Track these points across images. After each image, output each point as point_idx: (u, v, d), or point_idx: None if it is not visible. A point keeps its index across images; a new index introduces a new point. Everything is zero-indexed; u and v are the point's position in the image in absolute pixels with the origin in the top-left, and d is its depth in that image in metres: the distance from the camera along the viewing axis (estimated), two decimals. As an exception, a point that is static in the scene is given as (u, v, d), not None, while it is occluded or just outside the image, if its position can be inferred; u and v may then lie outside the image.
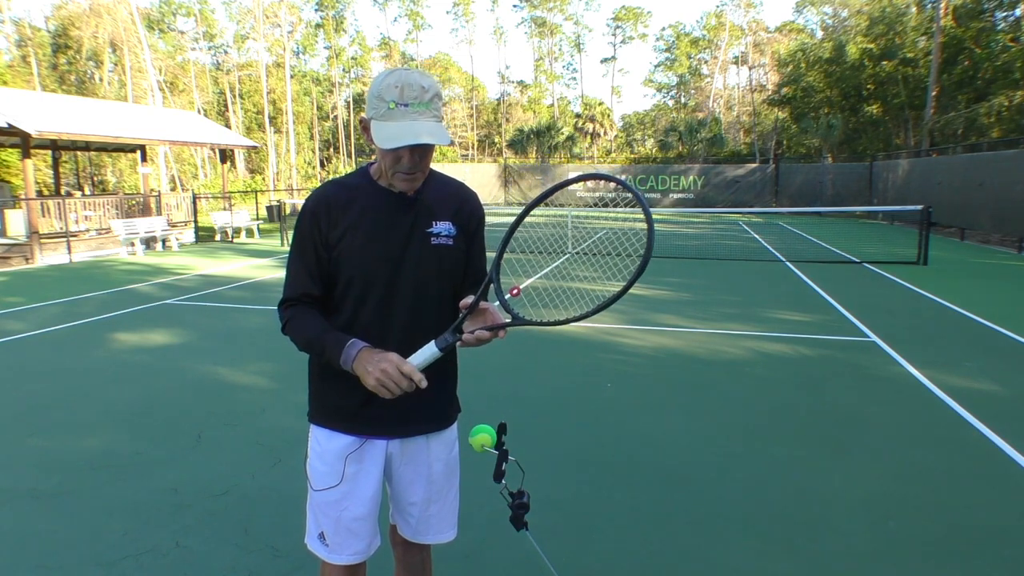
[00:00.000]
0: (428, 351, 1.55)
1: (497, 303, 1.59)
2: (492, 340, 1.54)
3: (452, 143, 1.64)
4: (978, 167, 17.68)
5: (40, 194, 21.05)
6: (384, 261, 1.64)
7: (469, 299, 1.54)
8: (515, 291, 1.58)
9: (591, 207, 33.18)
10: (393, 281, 1.65)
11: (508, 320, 1.54)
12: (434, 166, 1.74)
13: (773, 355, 6.33)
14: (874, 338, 6.93)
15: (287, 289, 1.68)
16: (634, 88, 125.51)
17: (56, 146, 19.33)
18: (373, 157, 1.69)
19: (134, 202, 18.15)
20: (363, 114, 1.62)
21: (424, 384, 1.51)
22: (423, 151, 1.57)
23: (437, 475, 1.82)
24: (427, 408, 1.74)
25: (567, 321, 1.51)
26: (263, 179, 44.85)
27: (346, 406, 1.71)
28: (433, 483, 1.82)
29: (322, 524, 1.77)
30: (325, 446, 1.75)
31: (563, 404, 4.96)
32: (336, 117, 57.21)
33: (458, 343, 1.54)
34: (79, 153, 31.47)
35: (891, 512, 3.32)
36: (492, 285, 1.56)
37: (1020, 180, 15.24)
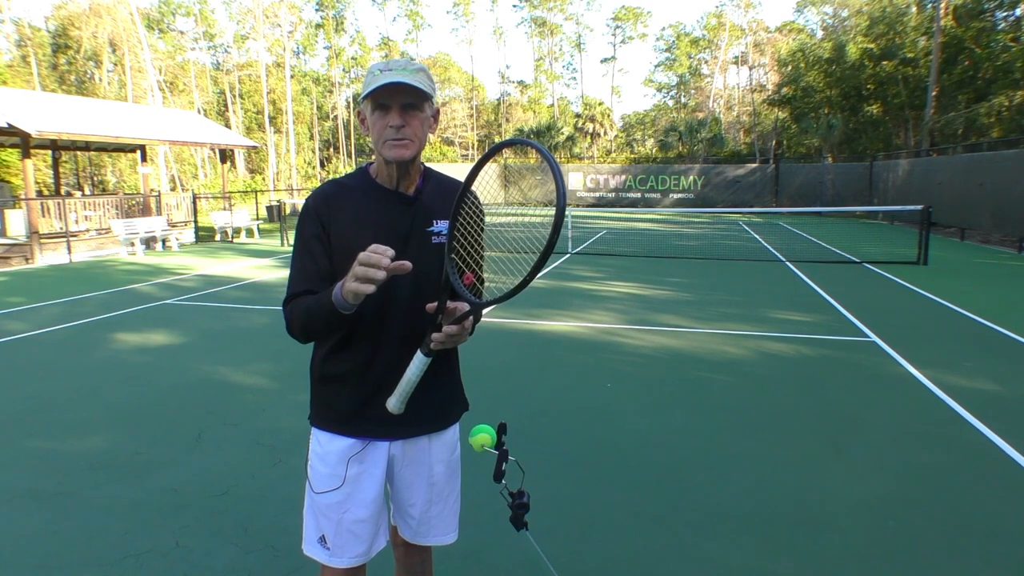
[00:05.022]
0: (417, 360, 1.56)
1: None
2: (465, 332, 1.54)
3: (433, 99, 1.64)
4: (978, 167, 17.67)
5: (40, 194, 21.05)
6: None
7: (434, 305, 1.56)
8: (467, 279, 1.60)
9: (591, 207, 33.21)
10: (394, 278, 1.64)
11: (468, 308, 1.53)
12: (434, 166, 1.75)
13: (773, 355, 6.33)
14: (874, 338, 6.93)
15: (290, 287, 1.67)
16: (634, 88, 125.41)
17: (56, 146, 19.33)
18: (372, 157, 1.70)
19: (134, 202, 18.15)
20: (360, 105, 1.67)
21: (407, 266, 1.43)
22: (410, 115, 1.58)
23: (438, 477, 1.82)
24: (428, 408, 1.74)
25: (518, 288, 1.44)
26: (263, 179, 44.87)
27: (347, 408, 1.71)
28: (434, 485, 1.82)
29: (323, 527, 1.76)
30: (327, 448, 1.74)
31: (563, 404, 4.96)
32: (336, 117, 57.21)
33: (432, 345, 1.53)
34: (79, 153, 31.48)
35: (891, 512, 3.32)
36: (452, 281, 1.55)
37: (1020, 180, 15.24)
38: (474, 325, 1.60)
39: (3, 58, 41.80)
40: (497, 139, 59.41)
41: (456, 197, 1.58)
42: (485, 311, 1.59)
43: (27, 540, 3.05)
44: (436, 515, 1.84)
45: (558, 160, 40.21)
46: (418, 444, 1.78)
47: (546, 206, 31.73)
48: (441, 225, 1.69)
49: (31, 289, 10.40)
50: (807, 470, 3.82)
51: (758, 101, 47.46)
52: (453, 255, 1.57)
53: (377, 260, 1.37)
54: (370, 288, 1.39)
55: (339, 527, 1.74)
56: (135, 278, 11.48)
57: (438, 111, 1.70)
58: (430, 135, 1.72)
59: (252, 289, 10.28)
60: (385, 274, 1.39)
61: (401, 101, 1.56)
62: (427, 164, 1.76)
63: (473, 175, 1.60)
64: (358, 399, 1.69)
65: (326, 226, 1.64)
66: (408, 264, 1.43)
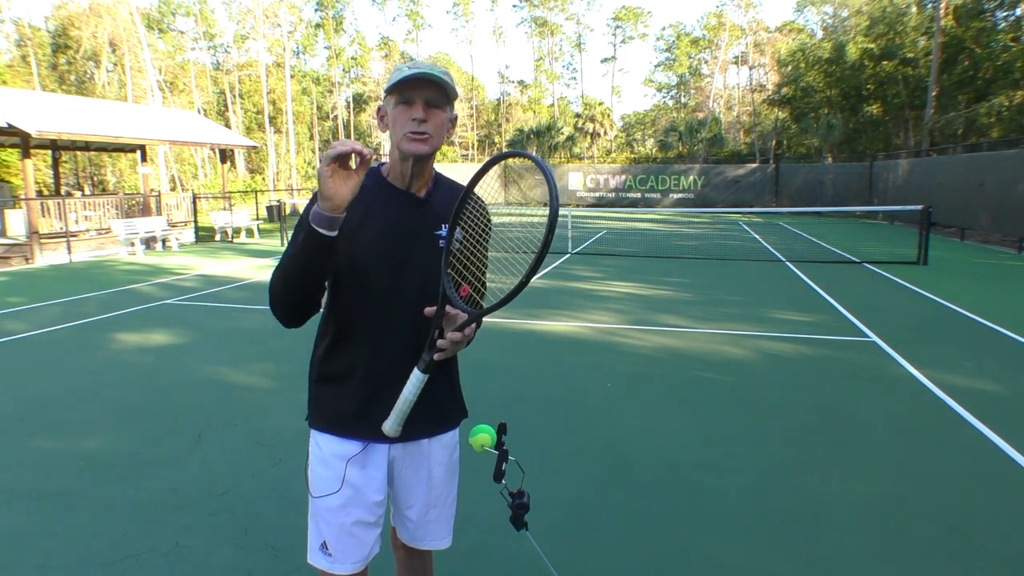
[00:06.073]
0: (414, 378, 1.56)
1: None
2: (466, 340, 1.56)
3: (458, 96, 1.64)
4: (978, 167, 17.67)
5: (40, 194, 21.05)
6: (389, 260, 1.64)
7: (432, 308, 1.57)
8: (464, 291, 1.61)
9: (591, 207, 33.22)
10: (398, 281, 1.64)
11: (466, 316, 1.55)
12: (434, 166, 1.75)
13: (773, 355, 6.33)
14: (874, 338, 6.93)
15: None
16: (634, 88, 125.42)
17: (56, 146, 19.33)
18: (374, 159, 1.69)
19: (134, 202, 18.15)
20: (380, 103, 1.69)
21: (363, 149, 1.41)
22: (432, 112, 1.59)
23: (437, 479, 1.81)
24: (428, 410, 1.72)
25: (512, 295, 1.46)
26: (263, 179, 44.85)
27: (347, 410, 1.69)
28: (433, 487, 1.81)
29: (324, 532, 1.74)
30: (327, 451, 1.72)
31: (563, 404, 4.96)
32: (336, 117, 57.21)
33: (436, 355, 1.54)
34: (79, 153, 31.49)
35: (891, 512, 3.32)
36: (449, 295, 1.56)
37: (1020, 180, 15.24)
38: (475, 332, 1.61)
39: (3, 58, 41.80)
40: (497, 139, 59.41)
41: (453, 210, 1.59)
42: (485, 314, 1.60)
43: (27, 540, 3.05)
44: (434, 519, 1.84)
45: (558, 160, 40.28)
46: (418, 446, 1.78)
47: (546, 205, 31.70)
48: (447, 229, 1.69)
49: (31, 289, 10.40)
50: (807, 470, 3.82)
51: (758, 101, 47.46)
52: (449, 269, 1.58)
53: (345, 142, 1.38)
54: (345, 148, 1.37)
55: (340, 531, 1.72)
56: (135, 278, 11.48)
57: (456, 117, 1.71)
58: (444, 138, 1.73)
59: (252, 289, 10.28)
60: (349, 148, 1.37)
61: (425, 96, 1.57)
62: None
63: (471, 187, 1.61)
64: (359, 399, 1.68)
65: None
66: (369, 152, 1.40)
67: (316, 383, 1.76)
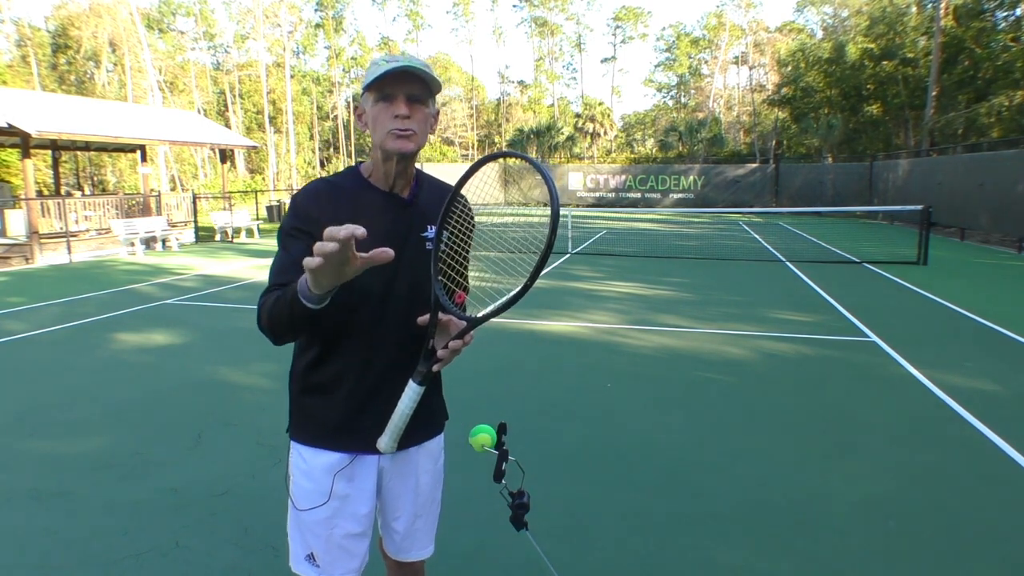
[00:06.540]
0: (410, 391, 1.51)
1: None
2: (463, 347, 1.49)
3: (440, 89, 1.59)
4: (978, 167, 17.67)
5: (40, 194, 21.05)
6: (381, 267, 1.60)
7: (425, 317, 1.50)
8: (460, 298, 1.57)
9: (591, 207, 33.22)
10: (389, 286, 1.58)
11: (464, 324, 1.48)
12: (434, 166, 1.74)
13: (773, 355, 6.32)
14: (874, 338, 6.93)
15: (270, 279, 1.54)
16: (634, 88, 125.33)
17: (56, 146, 19.33)
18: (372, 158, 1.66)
19: (134, 202, 18.15)
20: (358, 101, 1.62)
21: (359, 231, 1.15)
22: (415, 108, 1.52)
23: (424, 487, 1.79)
24: (417, 419, 1.62)
25: (515, 299, 1.38)
26: (263, 179, 44.87)
27: (336, 422, 1.64)
28: (420, 495, 1.78)
29: (311, 544, 1.70)
30: (312, 463, 1.67)
31: (563, 404, 4.96)
32: (336, 117, 57.21)
33: (435, 366, 1.49)
34: (79, 153, 31.49)
35: (891, 512, 3.32)
36: (442, 303, 1.49)
37: (1020, 180, 15.24)
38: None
39: (3, 58, 41.81)
40: (497, 139, 59.42)
41: (441, 213, 1.51)
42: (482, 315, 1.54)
43: (27, 540, 3.05)
44: (420, 528, 1.81)
45: (558, 160, 40.25)
46: (407, 454, 1.74)
47: (546, 205, 31.70)
48: (435, 231, 1.62)
49: (31, 289, 10.40)
50: (807, 470, 3.82)
51: (758, 101, 47.46)
52: (441, 277, 1.51)
53: (333, 233, 1.13)
54: (317, 261, 1.16)
55: (328, 543, 1.68)
56: (135, 278, 11.47)
57: (438, 112, 1.64)
58: (430, 135, 1.65)
59: (252, 289, 10.27)
60: (336, 246, 1.13)
61: (407, 91, 1.49)
62: (426, 164, 1.73)
63: (458, 188, 1.55)
64: (348, 411, 1.63)
65: (314, 225, 1.51)
66: (389, 252, 1.22)
67: (300, 395, 1.70)
